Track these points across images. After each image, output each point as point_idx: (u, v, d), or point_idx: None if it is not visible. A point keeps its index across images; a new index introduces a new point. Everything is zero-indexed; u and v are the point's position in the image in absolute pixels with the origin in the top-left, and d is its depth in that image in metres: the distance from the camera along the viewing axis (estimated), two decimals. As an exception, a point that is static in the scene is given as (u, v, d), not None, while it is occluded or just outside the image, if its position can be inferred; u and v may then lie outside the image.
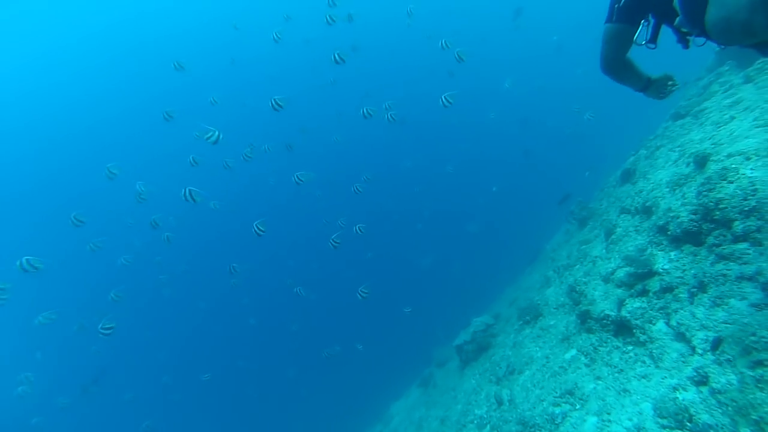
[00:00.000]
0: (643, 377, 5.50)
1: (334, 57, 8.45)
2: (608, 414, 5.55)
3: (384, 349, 22.52)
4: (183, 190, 7.31)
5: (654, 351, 5.54)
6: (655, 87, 3.68)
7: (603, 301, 7.40)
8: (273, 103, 8.35)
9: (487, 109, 31.75)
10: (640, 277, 6.72)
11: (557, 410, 6.59)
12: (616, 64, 3.50)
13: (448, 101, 8.83)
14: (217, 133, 7.95)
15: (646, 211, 8.04)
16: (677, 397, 4.64)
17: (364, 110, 9.09)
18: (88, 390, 15.34)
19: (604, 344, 6.93)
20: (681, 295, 5.50)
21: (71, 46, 44.78)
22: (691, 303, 5.26)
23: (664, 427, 4.56)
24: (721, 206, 5.32)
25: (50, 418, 18.00)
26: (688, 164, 7.14)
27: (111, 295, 11.71)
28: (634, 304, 6.47)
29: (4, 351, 25.30)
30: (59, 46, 44.31)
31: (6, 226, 34.85)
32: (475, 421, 8.99)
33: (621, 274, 7.38)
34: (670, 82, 3.68)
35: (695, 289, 5.29)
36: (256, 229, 7.63)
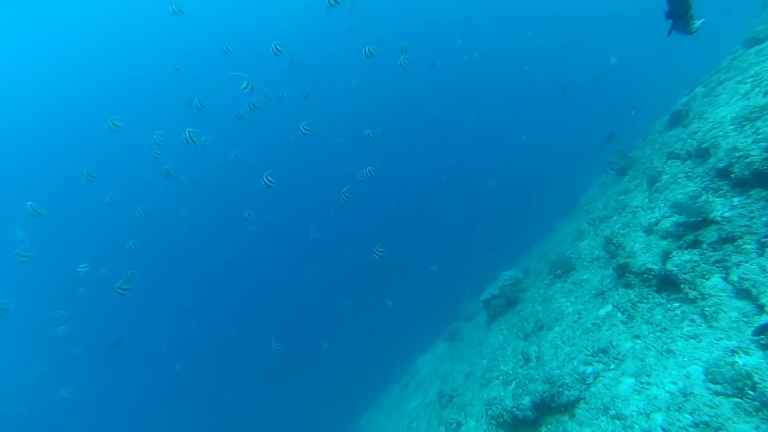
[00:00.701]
0: (691, 338, 4.89)
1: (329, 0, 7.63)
2: (648, 376, 5.02)
3: (412, 303, 22.55)
4: (183, 133, 7.02)
5: (707, 309, 4.88)
6: (688, 18, 3.28)
7: (644, 253, 6.69)
8: (274, 48, 7.77)
9: (517, 53, 29.52)
10: (691, 227, 5.93)
11: (589, 369, 6.13)
12: None
13: (461, 42, 8.11)
14: (249, 81, 7.77)
15: (702, 154, 7.06)
16: (737, 362, 4.03)
17: (366, 49, 8.30)
18: (119, 344, 16.22)
19: (645, 300, 6.31)
20: (746, 246, 4.73)
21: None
22: (761, 255, 4.50)
23: (717, 393, 4.00)
24: (808, 139, 4.40)
25: (92, 351, 19.35)
26: (766, 94, 6.04)
27: (129, 244, 11.89)
28: (683, 256, 5.75)
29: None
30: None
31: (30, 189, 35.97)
32: (501, 377, 8.72)
33: (667, 224, 6.60)
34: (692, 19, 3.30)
35: (767, 239, 4.51)
36: (265, 180, 7.23)
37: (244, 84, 7.79)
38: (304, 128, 8.59)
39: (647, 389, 4.86)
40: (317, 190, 28.77)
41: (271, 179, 7.51)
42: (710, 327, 4.72)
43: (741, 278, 4.55)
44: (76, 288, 16.54)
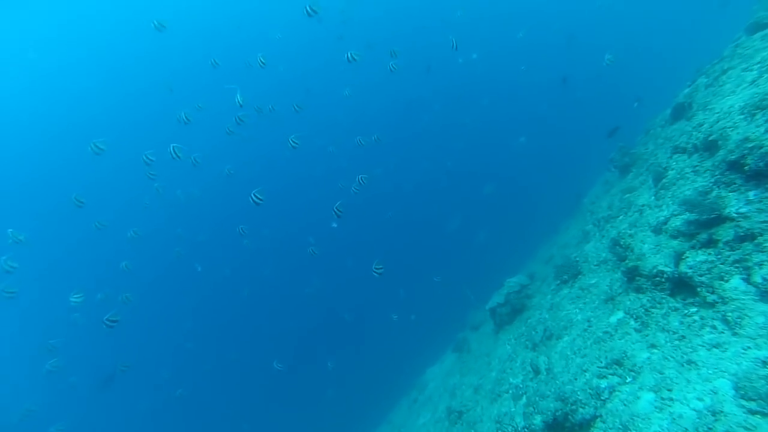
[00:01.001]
0: (714, 346, 4.47)
1: (307, 10, 7.41)
2: (669, 390, 4.59)
3: (417, 314, 22.07)
4: (169, 148, 6.85)
5: (729, 314, 4.47)
6: None
7: (654, 255, 6.29)
8: (259, 60, 7.58)
9: (514, 53, 29.32)
10: (704, 225, 5.54)
11: (603, 383, 5.69)
12: None
13: (454, 43, 8.06)
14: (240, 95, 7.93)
15: (709, 146, 6.68)
16: (770, 375, 3.61)
17: (349, 54, 8.09)
18: (112, 379, 15.91)
19: (658, 305, 5.88)
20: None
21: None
22: (786, 254, 4.12)
23: (752, 412, 3.57)
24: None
25: (89, 380, 18.94)
26: (772, 79, 5.69)
27: (122, 265, 11.68)
28: (698, 257, 5.34)
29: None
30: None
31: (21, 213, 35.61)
32: (510, 391, 8.27)
33: (677, 222, 6.21)
34: None
35: (791, 236, 4.13)
36: (253, 198, 6.91)
37: (241, 99, 7.73)
38: (294, 141, 8.33)
39: (670, 406, 4.43)
40: (318, 203, 28.47)
41: (260, 197, 7.19)
42: (735, 334, 4.30)
43: (765, 279, 4.15)
44: (71, 314, 16.29)
